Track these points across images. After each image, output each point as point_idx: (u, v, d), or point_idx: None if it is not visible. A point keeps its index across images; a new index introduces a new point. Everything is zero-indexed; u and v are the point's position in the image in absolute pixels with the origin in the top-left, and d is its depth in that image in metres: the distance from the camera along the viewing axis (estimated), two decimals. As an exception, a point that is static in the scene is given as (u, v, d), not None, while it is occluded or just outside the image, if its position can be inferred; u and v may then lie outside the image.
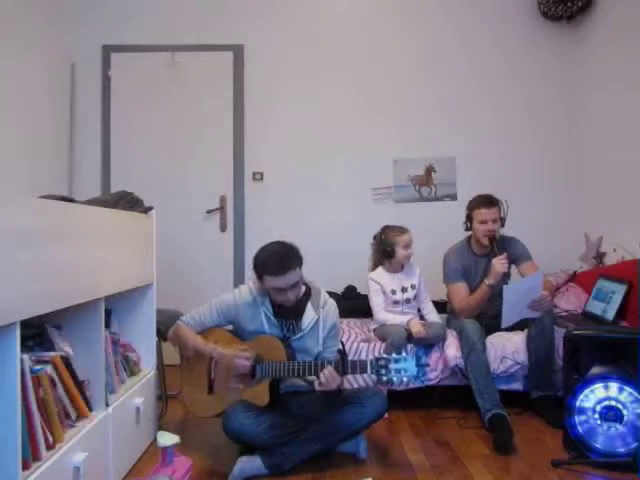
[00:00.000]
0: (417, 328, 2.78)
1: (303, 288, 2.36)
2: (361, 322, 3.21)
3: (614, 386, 2.15)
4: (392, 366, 2.06)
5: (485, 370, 2.61)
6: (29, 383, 1.52)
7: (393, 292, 2.95)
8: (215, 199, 3.86)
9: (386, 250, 2.96)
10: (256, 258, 2.24)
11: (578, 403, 2.19)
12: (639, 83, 3.15)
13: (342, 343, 2.30)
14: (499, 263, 2.76)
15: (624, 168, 3.30)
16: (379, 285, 2.95)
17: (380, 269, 3.01)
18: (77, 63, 3.82)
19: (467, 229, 3.01)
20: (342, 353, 2.19)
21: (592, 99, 3.68)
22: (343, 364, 2.10)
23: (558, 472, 2.12)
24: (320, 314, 2.30)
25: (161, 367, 2.72)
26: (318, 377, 2.11)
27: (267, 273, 2.17)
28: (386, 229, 3.01)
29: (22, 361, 1.48)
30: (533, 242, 3.06)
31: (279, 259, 2.17)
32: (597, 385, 2.18)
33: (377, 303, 2.93)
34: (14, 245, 1.40)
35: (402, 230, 2.96)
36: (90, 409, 1.88)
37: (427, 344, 2.82)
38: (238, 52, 3.87)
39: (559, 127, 3.86)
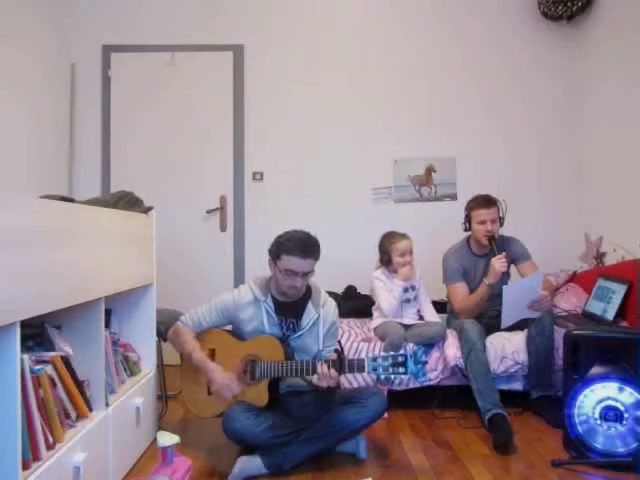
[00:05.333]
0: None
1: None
2: (361, 322, 3.21)
3: (614, 386, 2.15)
4: (390, 365, 2.05)
5: (485, 370, 2.61)
6: (29, 383, 1.52)
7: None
8: (215, 199, 3.86)
9: (383, 257, 2.97)
10: (280, 237, 2.26)
11: (578, 403, 2.19)
12: None
13: (339, 343, 2.30)
14: (498, 262, 2.76)
15: (624, 168, 3.30)
16: (383, 283, 2.96)
17: (382, 269, 3.02)
18: (77, 63, 3.82)
19: (466, 229, 3.01)
20: (340, 352, 2.19)
21: (592, 99, 3.68)
22: (341, 363, 2.10)
23: (558, 472, 2.12)
24: (320, 313, 2.31)
25: (161, 367, 2.73)
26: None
27: (288, 252, 2.18)
28: (385, 236, 3.02)
29: (22, 361, 1.48)
30: (533, 242, 3.07)
31: (305, 243, 2.21)
32: (597, 385, 2.17)
33: (385, 298, 2.93)
34: (14, 245, 1.40)
35: (399, 238, 2.95)
36: (90, 409, 1.88)
37: (427, 344, 2.81)
38: (238, 52, 3.87)
39: (559, 127, 3.86)
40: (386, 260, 2.97)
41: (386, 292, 2.94)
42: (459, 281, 2.95)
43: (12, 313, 1.38)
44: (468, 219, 2.98)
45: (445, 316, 3.11)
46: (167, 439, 1.91)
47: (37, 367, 1.61)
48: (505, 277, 2.95)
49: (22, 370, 1.48)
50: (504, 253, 2.81)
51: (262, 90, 3.87)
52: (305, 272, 2.20)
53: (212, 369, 2.19)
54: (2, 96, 2.99)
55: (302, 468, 2.15)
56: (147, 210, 2.50)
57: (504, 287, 2.66)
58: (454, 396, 2.81)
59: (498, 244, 2.91)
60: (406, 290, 2.95)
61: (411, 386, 2.75)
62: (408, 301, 2.97)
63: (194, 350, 2.26)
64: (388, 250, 2.95)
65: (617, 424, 2.14)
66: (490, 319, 2.85)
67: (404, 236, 2.97)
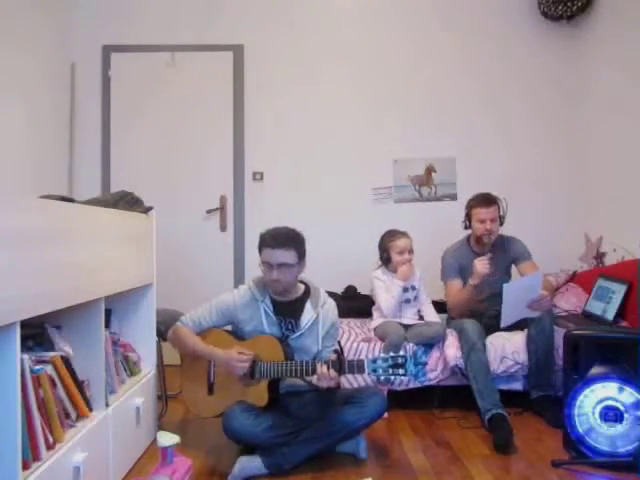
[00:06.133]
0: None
1: (302, 287, 2.37)
2: (361, 322, 3.21)
3: (614, 386, 2.15)
4: (389, 366, 2.06)
5: (485, 370, 2.61)
6: (29, 383, 1.52)
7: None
8: (215, 199, 3.86)
9: (382, 255, 2.98)
10: (261, 233, 2.30)
11: (578, 403, 2.19)
12: None
13: (339, 343, 2.29)
14: (480, 264, 2.78)
15: (624, 168, 3.30)
16: (382, 282, 2.96)
17: (382, 269, 3.02)
18: (77, 63, 3.82)
19: (466, 227, 3.02)
20: (339, 353, 2.19)
21: (592, 99, 3.68)
22: (340, 364, 2.10)
23: (558, 472, 2.12)
24: (319, 313, 2.31)
25: (161, 367, 2.73)
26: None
27: (263, 244, 2.24)
28: (385, 234, 3.03)
29: (22, 361, 1.48)
30: (533, 242, 3.06)
31: (277, 234, 2.24)
32: (597, 385, 2.17)
33: (384, 298, 2.93)
34: (14, 245, 1.40)
35: (398, 236, 2.96)
36: (90, 409, 1.88)
37: (427, 344, 2.81)
38: (238, 52, 3.87)
39: (559, 127, 3.86)
40: (385, 258, 2.98)
41: (386, 292, 2.94)
42: (453, 278, 2.96)
43: (12, 313, 1.38)
44: (468, 217, 2.99)
45: (445, 316, 3.11)
46: (167, 439, 1.91)
47: (37, 367, 1.61)
48: (506, 277, 2.96)
49: (22, 370, 1.48)
50: (489, 255, 2.83)
51: (262, 90, 3.87)
52: (279, 263, 2.20)
53: (218, 352, 2.21)
54: (2, 96, 2.98)
55: (302, 468, 2.15)
56: (147, 210, 2.50)
57: (504, 285, 2.65)
58: (454, 396, 2.81)
59: (498, 244, 2.92)
60: (406, 290, 2.95)
61: (411, 386, 2.75)
62: (408, 301, 2.97)
63: (196, 343, 2.27)
64: (387, 248, 2.96)
65: (617, 424, 2.14)
66: (490, 319, 2.85)
67: (404, 234, 2.97)
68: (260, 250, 2.27)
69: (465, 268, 2.97)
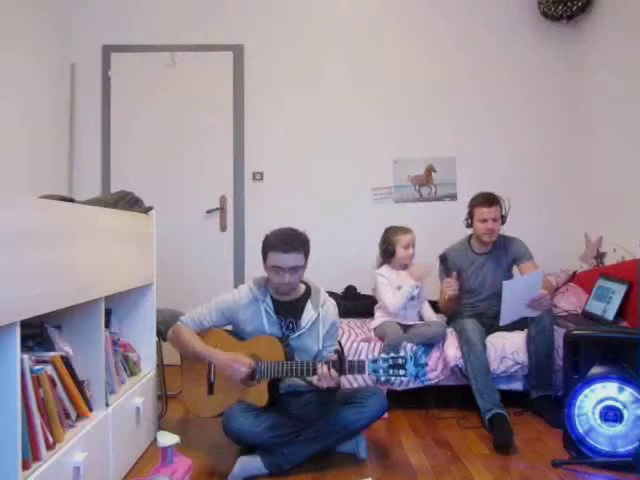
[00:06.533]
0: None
1: (303, 287, 2.37)
2: (361, 322, 3.21)
3: (614, 386, 2.15)
4: (390, 366, 2.06)
5: (485, 370, 2.61)
6: (29, 383, 1.52)
7: (399, 287, 2.93)
8: (215, 199, 3.86)
9: (387, 249, 2.98)
10: (266, 235, 2.28)
11: (578, 403, 2.19)
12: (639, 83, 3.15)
13: (340, 343, 2.28)
14: (445, 284, 2.85)
15: (624, 168, 3.30)
16: (387, 279, 2.96)
17: (386, 266, 3.02)
18: (77, 63, 3.82)
19: (468, 226, 3.02)
20: (340, 353, 2.19)
21: (592, 99, 3.68)
22: (341, 365, 2.10)
23: (558, 472, 2.12)
24: (320, 312, 2.31)
25: (161, 367, 2.73)
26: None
27: (271, 248, 2.21)
28: (389, 229, 3.05)
29: (22, 361, 1.48)
30: (533, 242, 3.06)
31: (286, 237, 2.22)
32: (597, 385, 2.18)
33: (391, 296, 2.92)
34: (14, 245, 1.40)
35: (404, 230, 2.99)
36: (90, 409, 1.88)
37: (427, 343, 2.81)
38: (238, 52, 3.87)
39: (559, 127, 3.86)
40: (390, 251, 2.97)
41: (390, 289, 2.93)
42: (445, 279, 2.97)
43: (12, 313, 1.38)
44: (470, 216, 2.99)
45: (443, 316, 3.11)
46: (167, 439, 1.91)
47: (37, 367, 1.62)
48: (507, 277, 2.95)
49: (22, 370, 1.48)
50: (454, 274, 2.85)
51: (262, 90, 3.87)
52: (291, 267, 2.19)
53: (216, 354, 2.20)
54: (2, 96, 2.99)
55: (302, 468, 2.15)
56: (147, 210, 2.50)
57: (504, 283, 2.66)
58: (454, 396, 2.81)
59: (499, 244, 2.92)
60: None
61: (411, 386, 2.74)
62: (412, 299, 2.95)
63: (195, 343, 2.27)
64: (393, 242, 2.97)
65: (617, 424, 2.14)
66: (490, 319, 2.85)
67: (409, 229, 3.00)
68: (266, 253, 2.24)
69: (463, 268, 2.97)
